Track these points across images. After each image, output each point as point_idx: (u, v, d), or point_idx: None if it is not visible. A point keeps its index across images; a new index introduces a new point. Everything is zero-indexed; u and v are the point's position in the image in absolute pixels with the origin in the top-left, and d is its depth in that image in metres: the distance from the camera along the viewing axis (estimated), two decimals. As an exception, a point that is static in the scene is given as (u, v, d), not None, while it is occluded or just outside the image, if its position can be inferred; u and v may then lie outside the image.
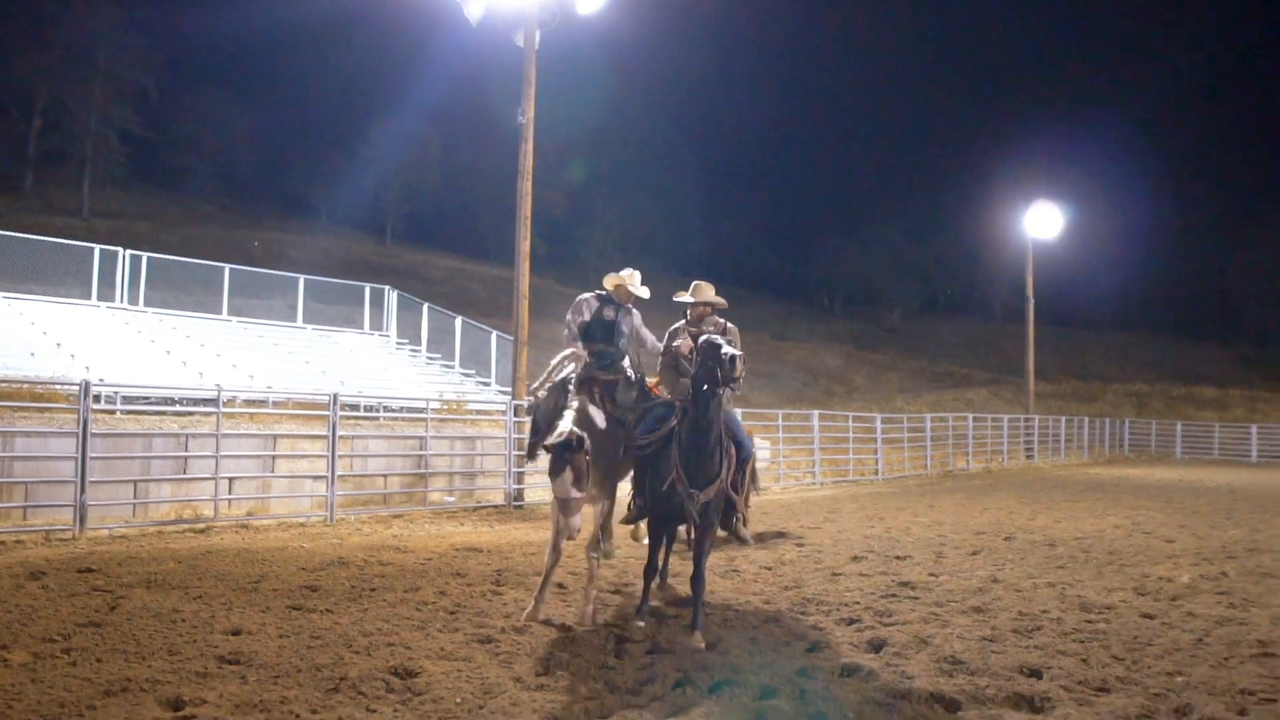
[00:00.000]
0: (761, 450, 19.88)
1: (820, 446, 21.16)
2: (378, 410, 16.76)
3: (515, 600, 7.50)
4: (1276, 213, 66.11)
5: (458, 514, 13.48)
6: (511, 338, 21.20)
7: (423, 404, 15.90)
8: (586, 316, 7.42)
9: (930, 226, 72.51)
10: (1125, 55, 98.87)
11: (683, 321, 7.60)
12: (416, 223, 64.30)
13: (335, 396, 12.29)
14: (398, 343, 22.24)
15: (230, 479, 11.89)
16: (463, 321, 21.30)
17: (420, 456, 14.08)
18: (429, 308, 22.14)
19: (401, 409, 16.58)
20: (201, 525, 11.18)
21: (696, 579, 6.62)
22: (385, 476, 13.76)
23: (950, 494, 19.23)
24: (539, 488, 15.34)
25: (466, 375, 20.92)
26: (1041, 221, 32.84)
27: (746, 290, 63.24)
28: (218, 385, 12.73)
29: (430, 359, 21.66)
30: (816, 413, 21.42)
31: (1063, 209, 33.05)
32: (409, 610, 7.04)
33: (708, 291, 7.57)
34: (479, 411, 16.64)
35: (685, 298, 7.60)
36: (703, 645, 6.18)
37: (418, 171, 61.75)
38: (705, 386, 6.23)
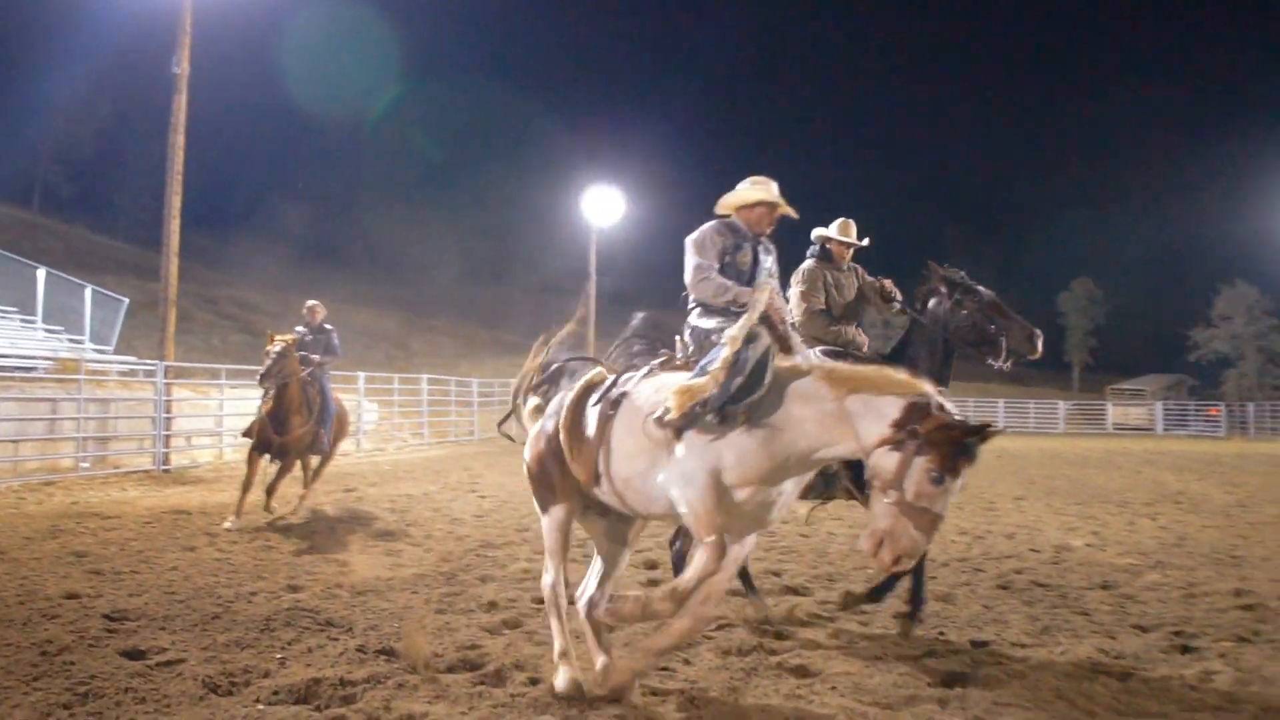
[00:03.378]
0: (369, 414, 20.54)
1: (429, 409, 22.22)
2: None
3: (311, 547, 8.00)
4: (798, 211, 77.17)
5: (111, 480, 12.83)
6: (108, 293, 19.84)
7: (33, 364, 14.64)
8: (713, 260, 4.90)
9: (490, 201, 75.10)
10: (674, 45, 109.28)
11: (812, 262, 6.45)
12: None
13: (-14, 356, 11.21)
14: (-50, 292, 19.40)
15: None
16: (46, 272, 19.22)
17: (58, 421, 13.11)
18: (-1, 254, 19.61)
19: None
20: None
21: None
22: (17, 443, 12.67)
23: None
24: (180, 451, 14.93)
25: (52, 332, 18.97)
26: (602, 204, 36.08)
27: (289, 248, 61.22)
28: None
29: (3, 313, 19.24)
30: (426, 377, 22.43)
31: (623, 192, 36.56)
32: (217, 565, 7.30)
33: (853, 230, 6.43)
34: (121, 374, 15.58)
35: (832, 233, 6.38)
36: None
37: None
38: (981, 349, 5.66)
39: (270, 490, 10.01)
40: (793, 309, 6.09)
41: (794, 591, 7.05)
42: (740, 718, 4.26)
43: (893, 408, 3.87)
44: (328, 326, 10.92)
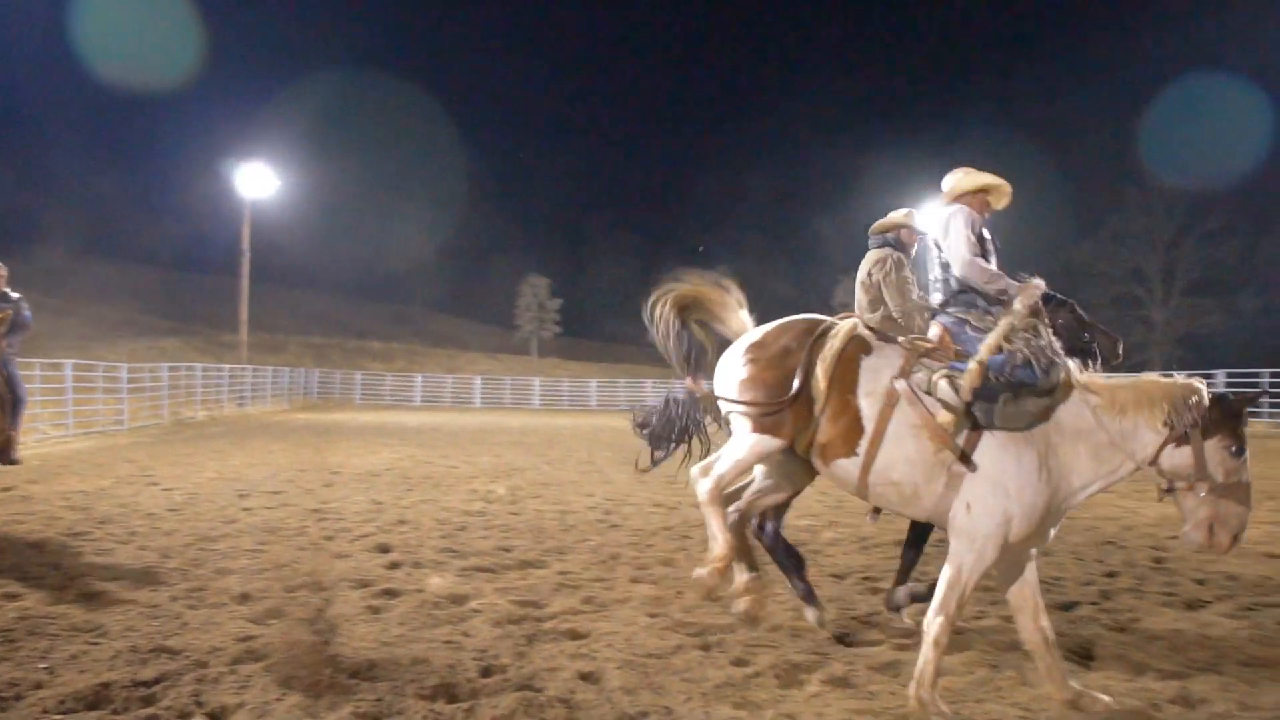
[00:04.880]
0: None
1: (73, 397, 20.27)
2: None
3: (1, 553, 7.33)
4: (421, 190, 76.44)
5: None
6: None
7: None
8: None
9: (120, 169, 68.53)
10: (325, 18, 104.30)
11: (899, 254, 6.29)
12: None
13: None
14: None
15: None
16: None
17: None
18: None
19: None
20: None
21: None
22: None
23: (213, 440, 20.04)
24: None
25: None
26: (256, 179, 34.33)
27: None
28: None
29: None
30: (71, 363, 20.43)
31: (277, 170, 34.98)
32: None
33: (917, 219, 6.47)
34: None
35: (911, 222, 6.40)
36: None
37: None
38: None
39: None
40: (894, 305, 6.08)
41: (530, 565, 7.47)
42: (538, 677, 4.64)
43: (1155, 412, 4.10)
44: (13, 294, 9.23)
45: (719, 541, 4.63)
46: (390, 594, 6.39)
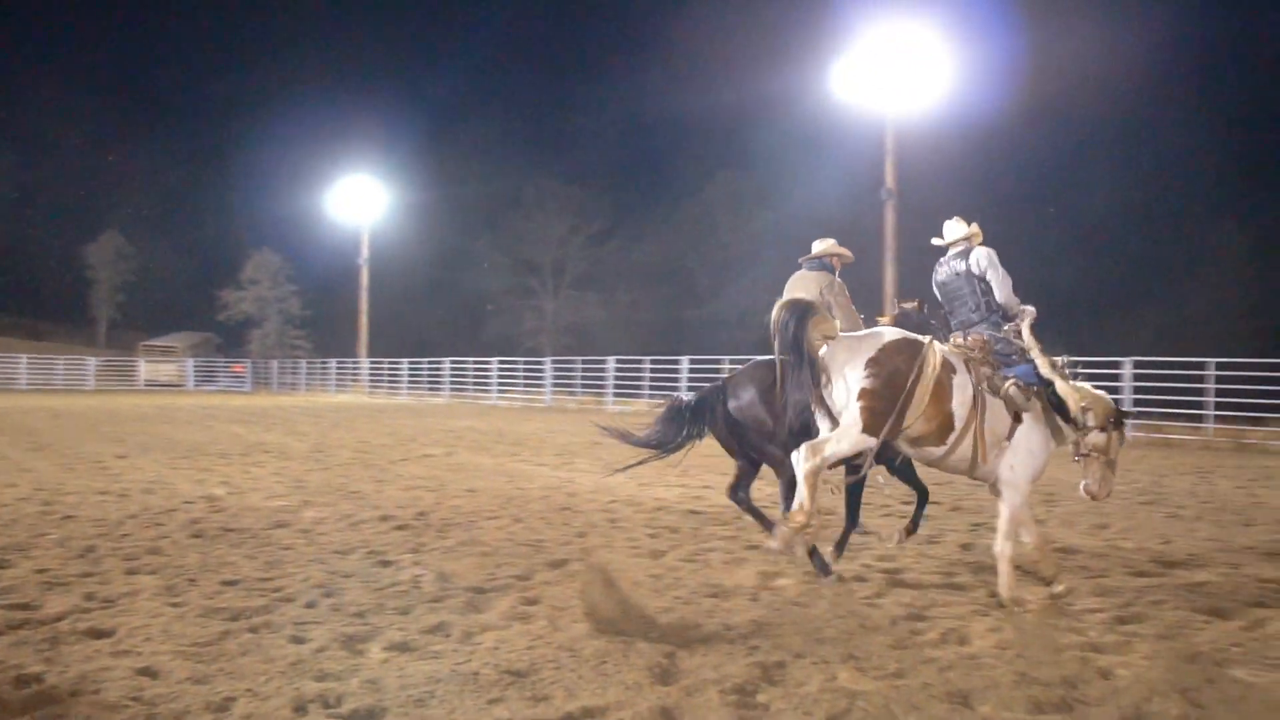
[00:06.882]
0: None
1: None
2: None
3: None
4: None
5: None
6: None
7: None
8: None
9: None
10: None
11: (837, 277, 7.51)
12: None
13: None
14: None
15: None
16: None
17: None
18: None
19: None
20: None
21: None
22: None
23: None
24: None
25: None
26: None
27: None
28: None
29: None
30: None
31: None
32: None
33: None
34: None
35: (841, 250, 7.61)
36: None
37: None
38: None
39: None
40: (844, 320, 7.08)
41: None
42: (88, 680, 4.32)
43: (1098, 410, 6.14)
44: None
45: (804, 505, 5.59)
46: None
